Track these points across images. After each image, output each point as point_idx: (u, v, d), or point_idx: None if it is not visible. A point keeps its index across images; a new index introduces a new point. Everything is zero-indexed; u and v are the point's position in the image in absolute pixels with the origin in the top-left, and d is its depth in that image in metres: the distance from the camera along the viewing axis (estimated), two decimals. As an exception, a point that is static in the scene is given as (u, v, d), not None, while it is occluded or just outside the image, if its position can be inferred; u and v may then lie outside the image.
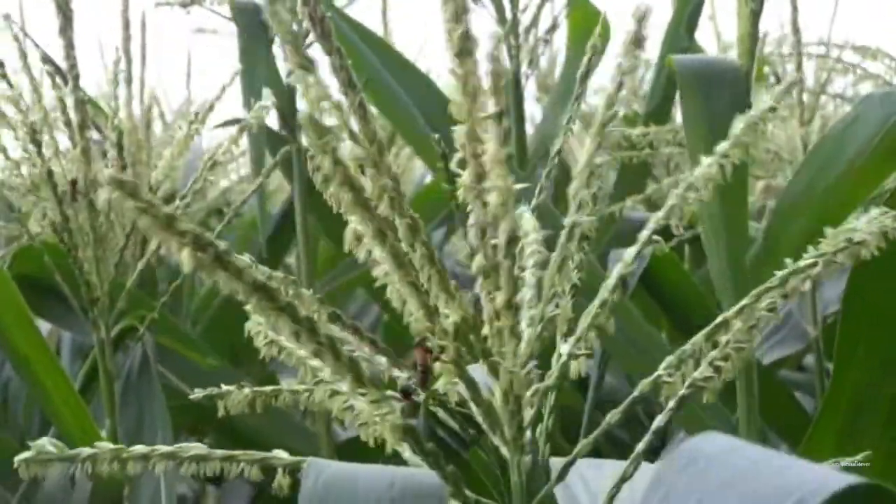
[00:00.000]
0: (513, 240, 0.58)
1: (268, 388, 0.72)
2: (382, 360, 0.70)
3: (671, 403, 0.65)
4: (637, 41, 0.67)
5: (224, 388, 0.72)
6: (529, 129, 1.97)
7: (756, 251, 1.17)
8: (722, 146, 0.66)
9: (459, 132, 0.59)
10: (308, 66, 0.55)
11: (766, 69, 2.85)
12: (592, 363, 1.66)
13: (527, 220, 0.72)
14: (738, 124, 0.66)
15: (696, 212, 1.18)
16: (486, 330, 0.61)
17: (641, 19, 0.67)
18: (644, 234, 0.67)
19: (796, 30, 1.64)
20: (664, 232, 2.06)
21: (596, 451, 0.71)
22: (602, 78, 0.74)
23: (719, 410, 1.21)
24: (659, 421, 0.66)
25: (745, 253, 1.15)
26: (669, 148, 1.58)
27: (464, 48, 0.59)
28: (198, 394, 0.74)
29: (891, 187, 1.26)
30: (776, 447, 1.43)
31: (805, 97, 1.76)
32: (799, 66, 1.66)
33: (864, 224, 0.62)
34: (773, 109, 0.65)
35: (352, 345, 0.68)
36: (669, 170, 1.93)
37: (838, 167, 1.14)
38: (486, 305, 0.61)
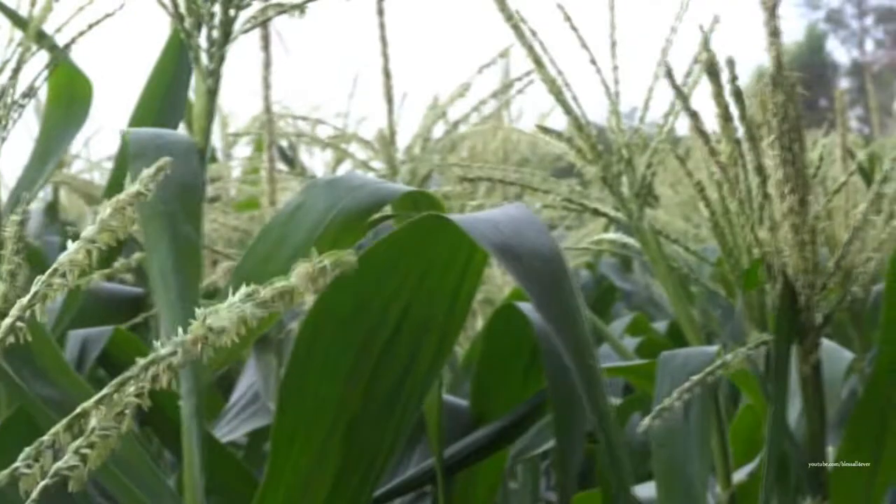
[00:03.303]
0: None
1: None
2: None
3: (33, 494, 0.62)
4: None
5: None
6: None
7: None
8: (89, 230, 0.64)
9: None
10: None
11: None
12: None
13: None
14: (106, 209, 0.63)
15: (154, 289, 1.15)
16: None
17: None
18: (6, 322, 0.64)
19: (268, 108, 1.67)
20: (139, 304, 1.99)
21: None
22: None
23: (152, 483, 1.17)
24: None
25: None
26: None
27: None
28: None
29: None
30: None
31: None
32: (270, 145, 1.69)
33: (225, 309, 0.60)
34: (139, 194, 0.63)
35: None
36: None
37: (285, 253, 1.13)
38: None
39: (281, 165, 3.18)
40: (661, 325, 2.70)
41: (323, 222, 1.12)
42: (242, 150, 2.94)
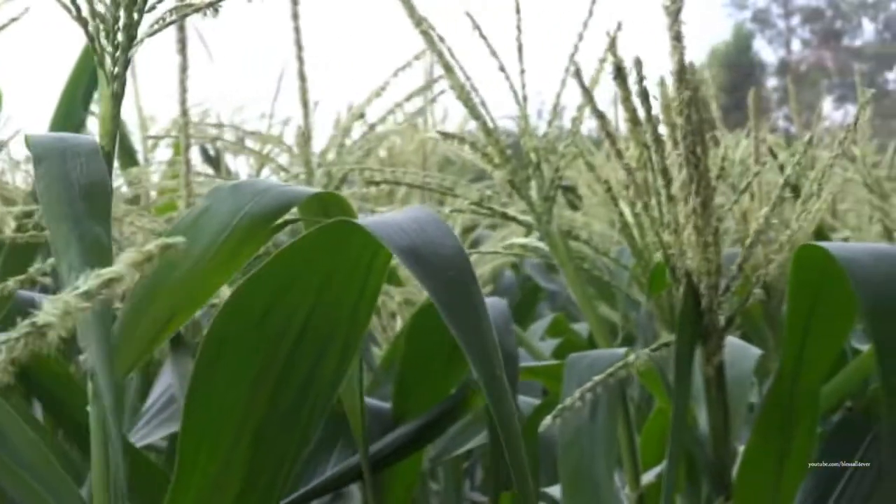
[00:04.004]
0: None
1: None
2: None
3: None
4: None
5: None
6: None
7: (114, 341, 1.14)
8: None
9: None
10: None
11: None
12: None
13: None
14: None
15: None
16: None
17: None
18: None
19: (184, 112, 1.66)
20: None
21: None
22: None
23: (59, 487, 1.16)
24: None
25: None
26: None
27: None
28: None
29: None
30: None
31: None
32: (186, 148, 1.69)
33: (49, 305, 0.55)
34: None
35: None
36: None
37: (190, 257, 1.13)
38: None
39: (206, 167, 3.17)
40: (583, 327, 2.71)
41: (228, 226, 1.11)
42: (164, 153, 2.93)
